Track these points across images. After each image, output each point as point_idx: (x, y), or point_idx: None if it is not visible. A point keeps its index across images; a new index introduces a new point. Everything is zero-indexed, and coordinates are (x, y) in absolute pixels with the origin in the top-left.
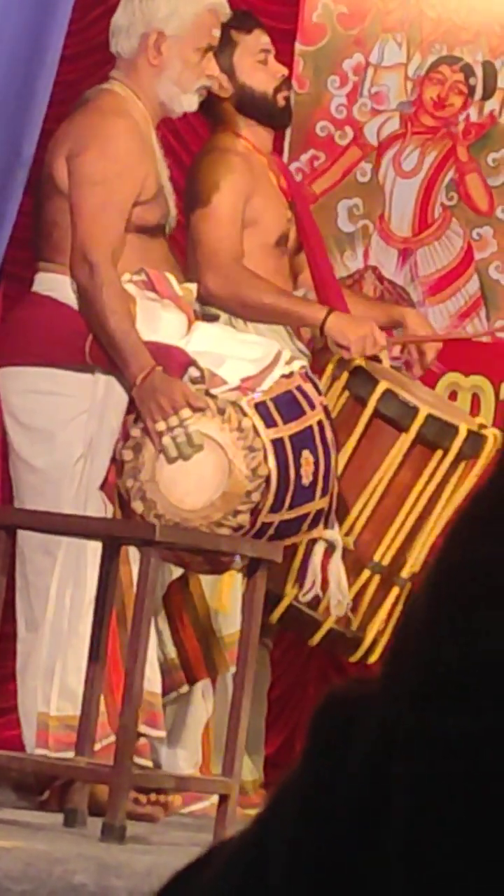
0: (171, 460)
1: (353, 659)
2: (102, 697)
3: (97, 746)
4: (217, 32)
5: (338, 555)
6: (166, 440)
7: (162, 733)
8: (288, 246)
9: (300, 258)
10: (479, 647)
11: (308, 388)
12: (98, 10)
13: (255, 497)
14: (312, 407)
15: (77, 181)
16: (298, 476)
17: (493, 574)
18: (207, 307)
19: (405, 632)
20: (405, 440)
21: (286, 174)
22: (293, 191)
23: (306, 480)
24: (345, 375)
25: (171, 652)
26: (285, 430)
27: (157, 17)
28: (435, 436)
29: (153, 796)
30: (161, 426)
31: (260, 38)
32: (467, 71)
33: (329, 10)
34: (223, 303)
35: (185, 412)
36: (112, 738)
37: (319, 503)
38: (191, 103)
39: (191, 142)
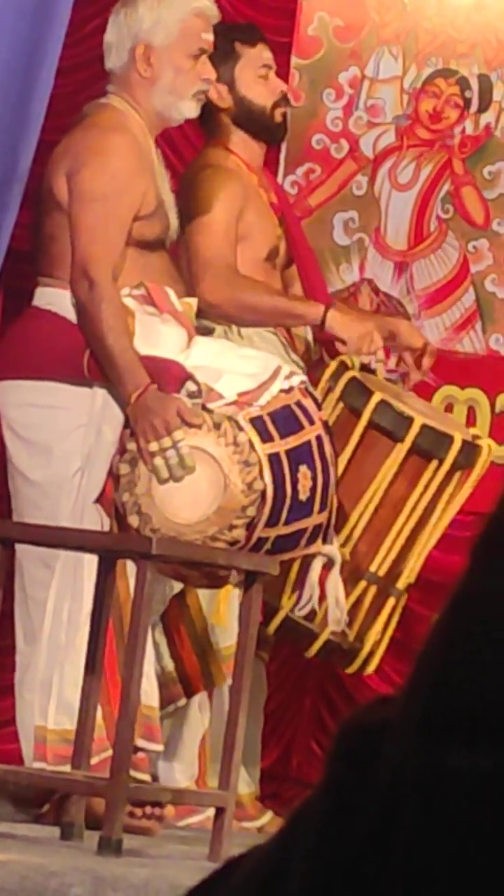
0: (161, 481)
1: (350, 670)
2: (101, 711)
3: (95, 760)
4: (209, 36)
5: (336, 570)
6: (158, 461)
7: (160, 747)
8: (278, 260)
9: (290, 272)
10: (492, 680)
11: (308, 403)
12: (95, 23)
13: (251, 512)
14: (311, 422)
15: (77, 197)
16: (295, 491)
17: None
18: (202, 320)
19: (423, 657)
20: (400, 451)
21: (276, 189)
22: (283, 206)
23: (303, 496)
24: (339, 387)
25: (169, 665)
26: (282, 445)
27: (142, 30)
28: (430, 446)
29: (149, 809)
30: (153, 447)
31: (263, 53)
32: (463, 84)
33: (325, 23)
34: (221, 310)
35: (179, 434)
36: (110, 752)
37: (318, 518)
38: (190, 109)
39: (185, 152)
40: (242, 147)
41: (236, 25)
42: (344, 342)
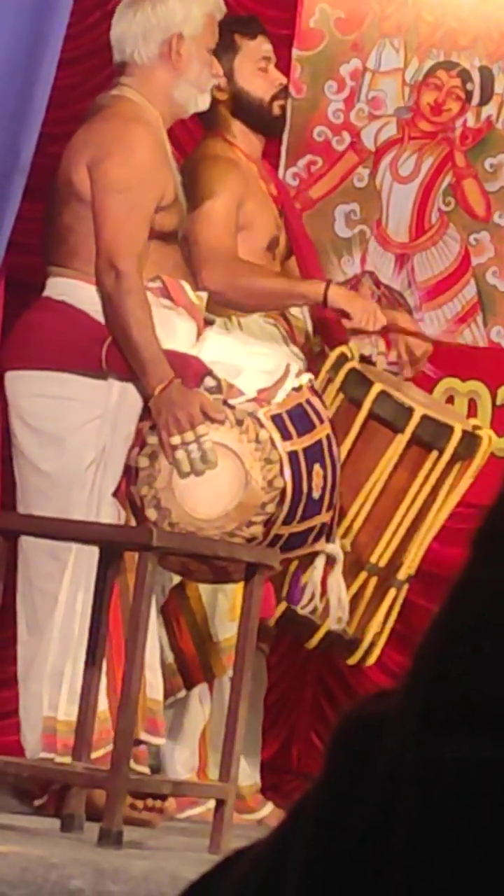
0: (182, 475)
1: (351, 661)
2: (107, 703)
3: (101, 752)
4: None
5: (338, 569)
6: (180, 454)
7: (162, 740)
8: (278, 251)
9: (289, 263)
10: (491, 671)
11: (316, 402)
12: (96, 14)
13: (270, 509)
14: (321, 421)
15: (101, 188)
16: (310, 489)
17: None
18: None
19: (423, 649)
20: (401, 441)
21: (276, 180)
22: (283, 198)
23: (316, 494)
24: (339, 378)
25: (169, 657)
26: (299, 444)
27: (174, 21)
28: (430, 436)
29: (150, 802)
30: (176, 440)
31: (262, 45)
32: (465, 76)
33: (326, 15)
34: (222, 296)
35: (202, 428)
36: None
37: (324, 517)
38: (204, 102)
39: (185, 143)
40: (242, 138)
41: (237, 18)
42: (349, 316)
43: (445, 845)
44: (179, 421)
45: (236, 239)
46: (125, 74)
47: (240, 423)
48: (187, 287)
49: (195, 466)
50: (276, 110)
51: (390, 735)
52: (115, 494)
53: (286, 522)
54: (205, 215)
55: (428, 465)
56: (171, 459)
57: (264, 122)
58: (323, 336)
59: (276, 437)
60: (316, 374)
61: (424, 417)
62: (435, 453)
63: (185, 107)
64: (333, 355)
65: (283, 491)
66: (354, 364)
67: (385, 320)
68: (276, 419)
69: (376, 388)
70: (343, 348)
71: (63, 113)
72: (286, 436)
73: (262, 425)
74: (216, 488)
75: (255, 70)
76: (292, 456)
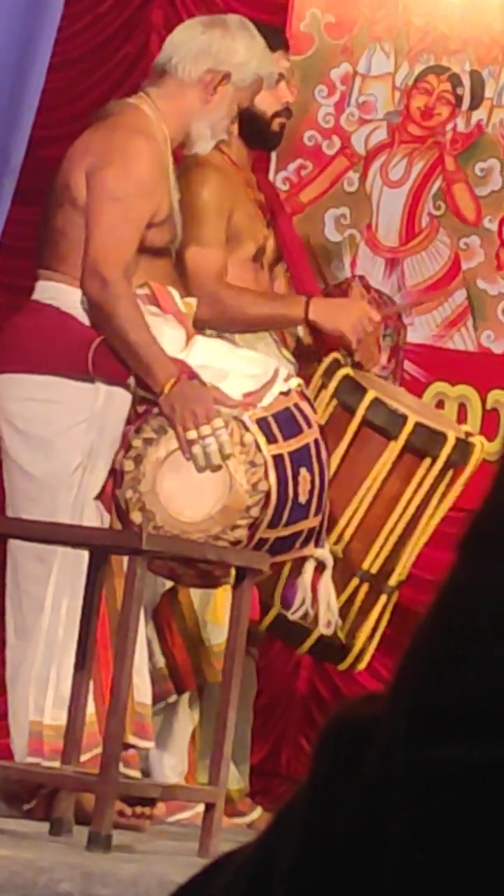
0: (199, 469)
1: (342, 667)
2: (95, 707)
3: (88, 756)
4: (253, 99)
5: (328, 574)
6: (196, 449)
7: (151, 744)
8: (265, 259)
9: (278, 268)
10: (478, 673)
11: (304, 406)
12: (87, 19)
13: (255, 512)
14: (309, 425)
15: (96, 195)
16: (296, 493)
17: (498, 598)
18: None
19: (411, 652)
20: (394, 448)
21: (265, 186)
22: (273, 202)
23: (303, 498)
24: (333, 384)
25: (160, 661)
26: (285, 447)
27: (230, 60)
28: (423, 444)
29: (139, 809)
30: (192, 434)
31: (279, 62)
32: (455, 80)
33: (317, 19)
34: (211, 325)
35: (218, 421)
36: None
37: (312, 521)
38: (207, 148)
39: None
40: (234, 147)
41: (260, 26)
42: (342, 334)
43: (436, 848)
44: (196, 415)
45: (226, 258)
46: (156, 83)
47: (224, 426)
48: (175, 294)
49: (211, 460)
50: (275, 126)
51: (378, 738)
52: (98, 498)
53: (271, 526)
54: (194, 238)
55: (421, 472)
56: (187, 455)
57: (262, 136)
58: (315, 341)
59: (262, 440)
60: (308, 380)
61: (418, 425)
62: (428, 461)
63: (193, 142)
64: (327, 361)
65: (268, 494)
66: (348, 370)
67: (378, 317)
68: (262, 422)
69: (370, 394)
70: (336, 354)
71: (53, 116)
72: (271, 439)
73: (246, 429)
74: (200, 491)
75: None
76: (277, 459)
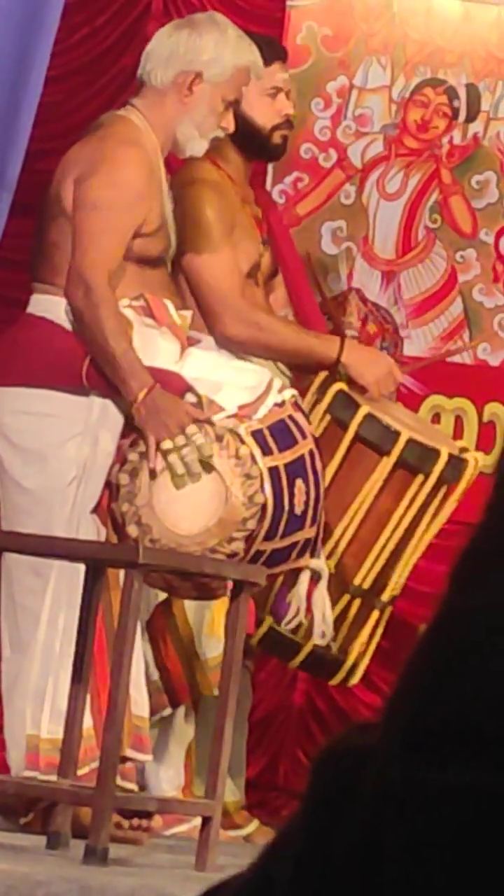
0: (177, 479)
1: (334, 682)
2: (92, 721)
3: (86, 769)
4: (245, 90)
5: (323, 584)
6: (173, 458)
7: (149, 757)
8: (260, 274)
9: (273, 282)
10: (472, 697)
11: (299, 417)
12: (83, 32)
13: (251, 524)
14: (304, 437)
15: (81, 204)
16: (292, 505)
17: (494, 619)
18: (191, 331)
19: (405, 676)
20: (386, 464)
21: (263, 200)
22: (271, 217)
23: (299, 510)
24: (326, 399)
25: (154, 674)
26: (280, 459)
27: (199, 59)
28: (416, 460)
29: (136, 822)
30: (168, 444)
31: (276, 73)
32: (451, 93)
33: (313, 32)
34: (244, 347)
35: (192, 428)
36: None
37: (308, 532)
38: (200, 149)
39: (171, 160)
40: (232, 162)
41: (258, 39)
42: (364, 388)
43: (432, 869)
44: (168, 426)
45: (243, 274)
46: (139, 94)
47: (219, 438)
48: (170, 306)
49: (191, 468)
50: (276, 139)
51: (373, 764)
52: (94, 511)
53: (268, 538)
54: (208, 262)
55: (413, 488)
56: (156, 466)
57: (262, 149)
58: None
59: (257, 452)
60: (303, 393)
61: (411, 441)
62: (421, 477)
63: (182, 145)
64: (321, 375)
65: (264, 506)
66: (342, 385)
67: (402, 377)
68: (257, 435)
69: (363, 410)
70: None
71: (50, 129)
72: (267, 451)
73: (242, 441)
74: (196, 504)
75: (261, 96)
76: (273, 471)
